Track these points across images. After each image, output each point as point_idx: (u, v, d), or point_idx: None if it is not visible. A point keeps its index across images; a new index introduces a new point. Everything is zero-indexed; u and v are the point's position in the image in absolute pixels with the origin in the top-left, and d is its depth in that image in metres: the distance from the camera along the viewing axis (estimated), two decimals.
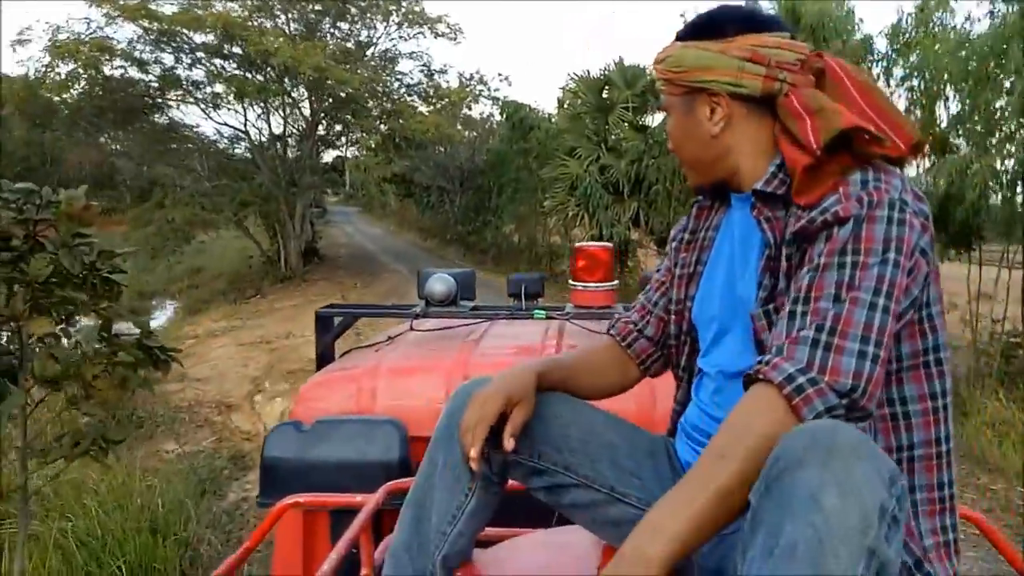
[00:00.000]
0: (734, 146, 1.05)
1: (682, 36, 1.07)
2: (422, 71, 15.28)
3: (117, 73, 12.44)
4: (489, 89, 16.60)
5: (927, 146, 1.71)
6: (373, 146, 15.14)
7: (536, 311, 2.28)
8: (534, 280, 2.44)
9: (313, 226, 17.71)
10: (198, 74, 13.02)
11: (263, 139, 14.39)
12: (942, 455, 0.97)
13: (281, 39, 11.78)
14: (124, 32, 12.85)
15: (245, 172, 13.94)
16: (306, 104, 14.44)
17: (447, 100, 15.79)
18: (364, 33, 14.80)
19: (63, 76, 11.66)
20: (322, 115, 14.56)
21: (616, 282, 2.32)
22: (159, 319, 12.89)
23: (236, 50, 12.56)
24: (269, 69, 12.75)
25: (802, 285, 0.91)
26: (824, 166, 0.95)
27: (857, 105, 0.99)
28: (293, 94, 13.58)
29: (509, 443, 1.02)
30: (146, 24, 11.55)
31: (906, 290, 0.91)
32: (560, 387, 1.16)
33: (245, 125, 14.05)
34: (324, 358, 2.34)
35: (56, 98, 12.04)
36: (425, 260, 15.95)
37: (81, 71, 11.43)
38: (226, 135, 14.52)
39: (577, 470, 1.08)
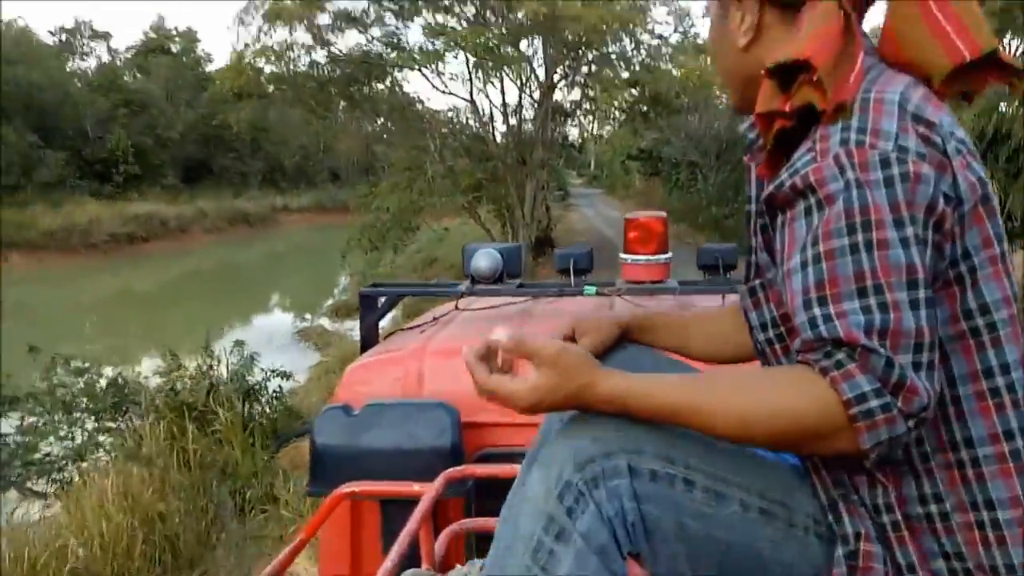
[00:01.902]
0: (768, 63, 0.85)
1: None
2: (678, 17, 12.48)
3: (336, 40, 11.27)
4: None
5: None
6: (617, 115, 12.76)
7: (586, 287, 2.21)
8: (583, 255, 2.33)
9: (549, 211, 15.83)
10: (415, 35, 11.56)
11: (492, 110, 12.65)
12: (1019, 454, 0.79)
13: None
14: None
15: (472, 149, 12.25)
16: (540, 66, 12.31)
17: (704, 55, 12.88)
18: None
19: (277, 46, 10.66)
20: (557, 74, 12.35)
21: (670, 254, 2.20)
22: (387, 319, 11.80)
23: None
24: (493, 16, 10.81)
25: (811, 281, 0.76)
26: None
27: None
28: (522, 46, 11.52)
29: None
30: None
31: (938, 257, 0.78)
32: (663, 344, 1.14)
33: (471, 94, 12.39)
34: (368, 340, 2.22)
35: (273, 69, 11.09)
36: (672, 249, 13.24)
37: (297, 29, 10.27)
38: (459, 108, 12.99)
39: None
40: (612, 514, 0.78)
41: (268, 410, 5.01)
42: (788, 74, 0.79)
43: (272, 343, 10.69)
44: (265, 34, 10.95)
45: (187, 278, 20.01)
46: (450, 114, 13.89)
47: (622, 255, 2.25)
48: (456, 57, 12.05)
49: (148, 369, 5.41)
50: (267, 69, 11.54)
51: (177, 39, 36.17)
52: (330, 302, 14.16)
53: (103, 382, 4.94)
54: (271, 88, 12.10)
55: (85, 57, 34.79)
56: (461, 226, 16.64)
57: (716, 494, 0.82)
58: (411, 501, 1.24)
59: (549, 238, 15.71)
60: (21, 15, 57.34)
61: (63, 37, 33.91)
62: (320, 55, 11.82)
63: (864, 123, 0.76)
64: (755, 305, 0.93)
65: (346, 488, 1.32)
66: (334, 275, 17.09)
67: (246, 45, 11.20)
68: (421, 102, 13.55)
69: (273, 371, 5.21)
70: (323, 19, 11.31)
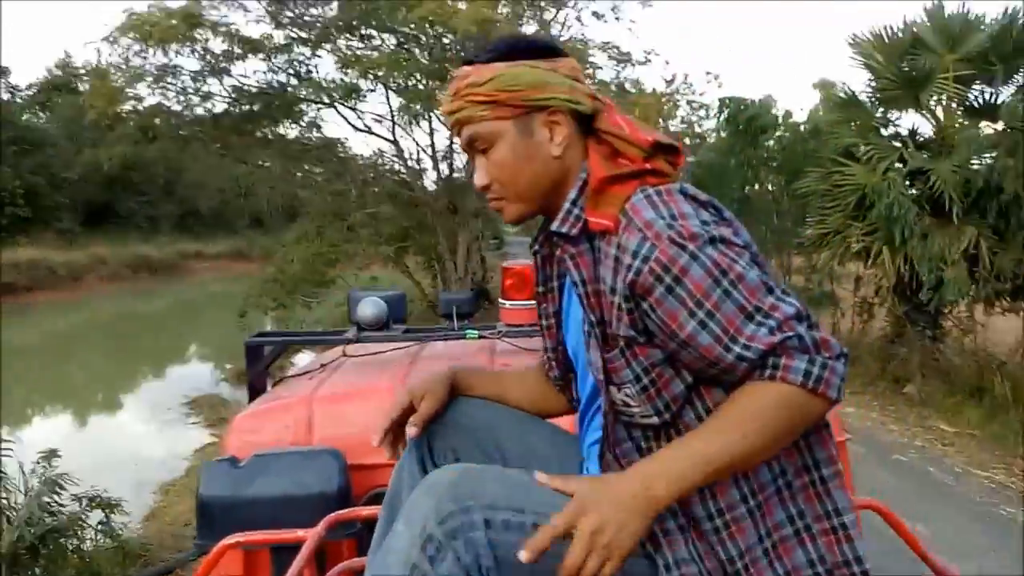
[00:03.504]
0: (570, 167, 1.11)
1: (501, 57, 1.10)
2: (617, 65, 11.66)
3: (231, 68, 9.89)
4: (692, 92, 12.98)
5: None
6: None
7: (468, 331, 2.31)
8: (466, 299, 2.45)
9: (484, 262, 14.77)
10: (328, 66, 10.32)
11: (420, 153, 11.54)
12: (815, 483, 1.04)
13: None
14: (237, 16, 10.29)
15: (398, 196, 11.05)
16: None
17: (636, 109, 12.13)
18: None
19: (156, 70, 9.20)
20: None
21: None
22: None
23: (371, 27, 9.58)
24: (417, 49, 9.71)
25: (718, 330, 0.96)
26: (612, 187, 1.04)
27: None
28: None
29: (411, 430, 1.18)
30: None
31: None
32: (483, 393, 1.30)
33: (393, 132, 11.22)
34: (255, 389, 2.30)
35: (162, 101, 9.63)
36: None
37: (184, 53, 8.86)
38: (384, 151, 11.81)
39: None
40: (469, 562, 0.93)
41: (79, 557, 3.41)
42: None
43: (155, 417, 9.05)
44: (137, 55, 9.40)
45: (77, 331, 17.83)
46: (373, 158, 12.66)
47: (500, 300, 2.38)
48: (375, 91, 10.83)
49: None
50: (149, 100, 9.98)
51: (86, 77, 33.88)
52: (230, 366, 12.45)
53: None
54: (155, 121, 10.49)
55: None
56: (390, 274, 15.28)
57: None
58: (300, 547, 1.30)
59: (485, 290, 14.55)
60: None
61: None
62: (214, 85, 10.38)
63: (672, 211, 0.99)
64: (626, 364, 1.04)
65: (231, 539, 1.38)
66: (243, 333, 15.31)
67: (110, 65, 9.62)
68: (340, 143, 12.28)
69: (91, 499, 3.61)
70: (216, 44, 9.89)
